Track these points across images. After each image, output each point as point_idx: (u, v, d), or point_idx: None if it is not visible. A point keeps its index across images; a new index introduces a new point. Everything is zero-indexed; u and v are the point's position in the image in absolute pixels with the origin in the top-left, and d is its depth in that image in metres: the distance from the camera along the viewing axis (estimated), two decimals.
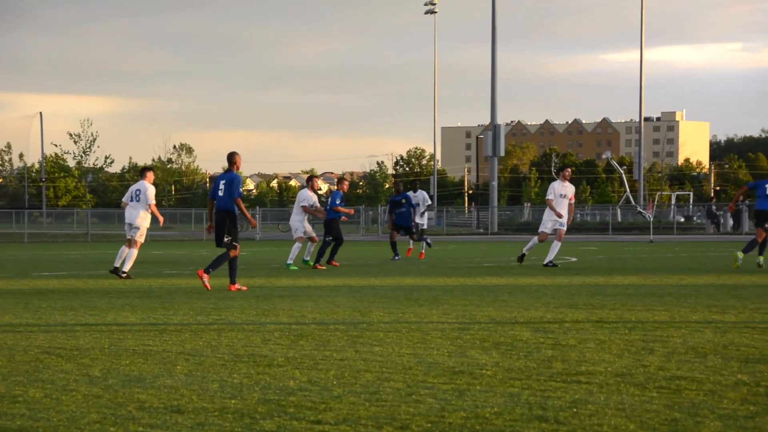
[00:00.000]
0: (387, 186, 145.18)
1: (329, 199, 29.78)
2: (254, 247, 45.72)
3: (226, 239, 19.59)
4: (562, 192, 27.34)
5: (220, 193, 19.66)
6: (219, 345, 11.41)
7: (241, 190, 19.63)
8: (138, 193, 23.98)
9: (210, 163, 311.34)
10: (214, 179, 20.89)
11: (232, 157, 19.77)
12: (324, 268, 27.79)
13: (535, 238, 28.03)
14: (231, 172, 19.75)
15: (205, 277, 19.45)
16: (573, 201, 27.58)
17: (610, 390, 8.28)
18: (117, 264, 23.79)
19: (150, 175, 24.25)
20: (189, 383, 8.89)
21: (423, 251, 34.48)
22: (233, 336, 12.20)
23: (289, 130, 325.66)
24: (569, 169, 28.95)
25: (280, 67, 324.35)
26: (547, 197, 27.65)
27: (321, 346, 11.18)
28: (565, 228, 27.33)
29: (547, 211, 27.40)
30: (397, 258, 32.41)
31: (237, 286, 19.57)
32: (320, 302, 16.66)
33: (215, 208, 19.74)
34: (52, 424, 7.27)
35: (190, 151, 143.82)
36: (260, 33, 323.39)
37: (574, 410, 7.48)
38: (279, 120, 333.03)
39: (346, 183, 30.41)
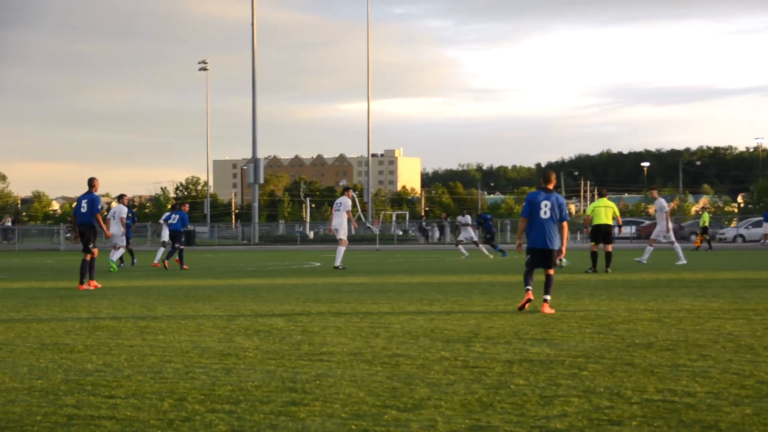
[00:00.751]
0: (168, 206, 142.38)
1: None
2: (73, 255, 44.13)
3: (90, 245, 19.26)
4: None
5: (83, 210, 19.53)
6: (28, 336, 10.94)
7: (99, 207, 19.39)
8: None
9: (21, 188, 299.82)
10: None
11: (91, 181, 19.68)
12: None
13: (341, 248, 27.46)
14: (91, 193, 19.65)
15: (90, 284, 19.42)
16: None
17: (345, 366, 8.35)
18: None
19: None
20: (1, 368, 8.47)
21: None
22: (40, 328, 11.70)
23: (88, 162, 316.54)
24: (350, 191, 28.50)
25: (76, 111, 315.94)
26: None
27: (114, 335, 10.86)
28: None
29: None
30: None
31: (85, 286, 19.31)
32: (114, 300, 16.18)
33: (78, 221, 19.55)
34: None
35: (3, 178, 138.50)
36: (58, 83, 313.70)
37: (318, 382, 7.51)
38: (79, 153, 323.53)
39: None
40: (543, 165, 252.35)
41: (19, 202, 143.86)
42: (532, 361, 8.54)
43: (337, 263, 27.27)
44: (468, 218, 38.25)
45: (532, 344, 9.67)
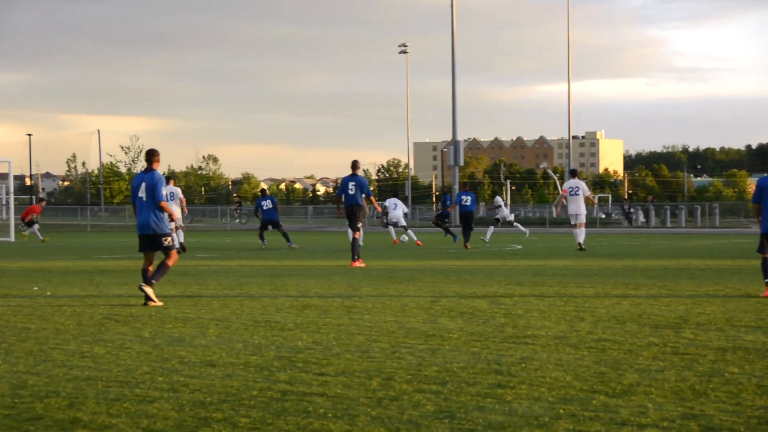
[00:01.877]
0: (372, 188, 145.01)
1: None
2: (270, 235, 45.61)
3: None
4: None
5: (350, 192, 20.76)
6: (242, 313, 11.38)
7: (370, 189, 21.06)
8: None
9: (231, 169, 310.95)
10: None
11: (355, 164, 21.02)
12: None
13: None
14: (356, 176, 20.85)
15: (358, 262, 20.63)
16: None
17: (550, 349, 8.27)
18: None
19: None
20: (219, 343, 8.85)
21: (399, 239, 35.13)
22: (253, 306, 12.16)
23: (290, 144, 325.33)
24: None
25: (281, 94, 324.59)
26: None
27: (322, 314, 11.15)
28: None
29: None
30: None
31: (357, 263, 20.54)
32: (321, 280, 16.61)
33: (346, 203, 20.81)
34: (113, 374, 7.23)
35: (215, 160, 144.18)
36: (266, 67, 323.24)
37: (523, 365, 7.47)
38: (283, 136, 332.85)
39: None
40: (753, 147, 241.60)
41: (230, 183, 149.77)
42: (746, 349, 8.21)
43: (580, 240, 27.40)
44: (499, 199, 37.99)
45: (746, 332, 9.30)
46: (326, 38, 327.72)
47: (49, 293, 14.15)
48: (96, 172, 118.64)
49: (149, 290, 12.24)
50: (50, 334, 9.54)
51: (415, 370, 7.27)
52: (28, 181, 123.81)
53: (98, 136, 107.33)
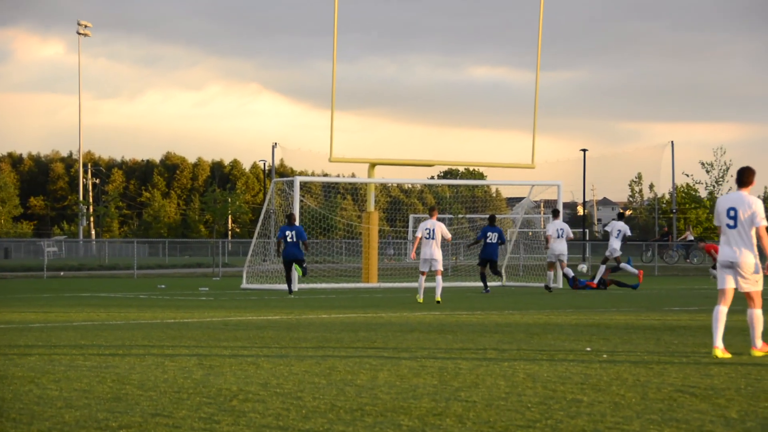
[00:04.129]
0: None
1: None
2: None
3: None
4: None
5: None
6: None
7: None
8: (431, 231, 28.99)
9: None
10: None
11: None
12: None
13: None
14: None
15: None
16: None
17: None
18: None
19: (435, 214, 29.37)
20: None
21: None
22: None
23: None
24: None
25: None
26: None
27: None
28: None
29: None
30: None
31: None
32: None
33: None
34: None
35: None
36: None
37: None
38: None
39: None
40: None
41: None
42: None
43: None
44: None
45: None
46: None
47: (605, 356, 14.59)
48: (667, 197, 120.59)
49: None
50: (607, 409, 9.82)
51: None
52: (580, 210, 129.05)
53: (671, 150, 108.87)
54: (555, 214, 37.71)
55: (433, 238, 28.87)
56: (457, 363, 13.54)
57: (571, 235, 36.89)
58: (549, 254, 36.89)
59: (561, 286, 39.34)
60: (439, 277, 28.88)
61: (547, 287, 36.57)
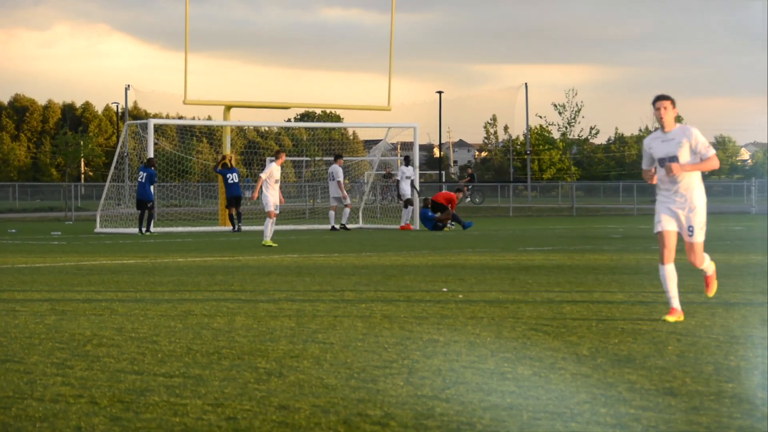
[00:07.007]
0: None
1: None
2: None
3: None
4: None
5: None
6: (712, 325, 11.21)
7: None
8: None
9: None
10: None
11: None
12: None
13: None
14: None
15: None
16: None
17: None
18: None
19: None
20: (682, 365, 8.79)
21: None
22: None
23: None
24: None
25: None
26: None
27: None
28: None
29: None
30: None
31: None
32: None
33: None
34: (541, 402, 7.38)
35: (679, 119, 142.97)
36: None
37: None
38: None
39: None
40: None
41: None
42: None
43: None
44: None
45: None
46: None
47: (461, 296, 14.75)
48: (521, 138, 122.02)
49: None
50: (463, 348, 9.94)
51: None
52: (436, 152, 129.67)
53: (525, 92, 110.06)
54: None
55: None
56: (314, 305, 13.58)
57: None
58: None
59: (418, 227, 39.68)
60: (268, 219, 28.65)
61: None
